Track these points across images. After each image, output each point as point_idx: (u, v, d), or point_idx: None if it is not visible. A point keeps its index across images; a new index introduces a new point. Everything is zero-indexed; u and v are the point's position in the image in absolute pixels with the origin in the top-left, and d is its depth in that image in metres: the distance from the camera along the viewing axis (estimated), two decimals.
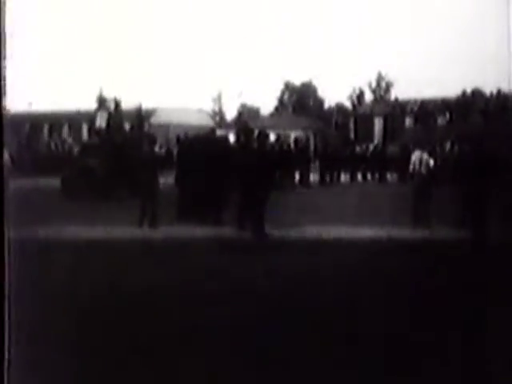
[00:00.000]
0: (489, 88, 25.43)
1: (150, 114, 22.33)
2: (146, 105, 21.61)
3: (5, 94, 5.89)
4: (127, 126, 20.93)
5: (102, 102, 20.00)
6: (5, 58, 5.57)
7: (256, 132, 15.09)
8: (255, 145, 14.37)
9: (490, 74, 22.83)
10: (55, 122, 23.01)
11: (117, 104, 20.16)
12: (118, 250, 11.35)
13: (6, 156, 5.64)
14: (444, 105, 25.99)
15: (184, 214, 14.40)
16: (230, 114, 25.92)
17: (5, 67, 5.82)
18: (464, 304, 8.01)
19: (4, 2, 5.15)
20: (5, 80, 5.64)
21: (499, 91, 25.08)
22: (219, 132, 21.47)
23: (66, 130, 23.06)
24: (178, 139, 20.91)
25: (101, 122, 19.90)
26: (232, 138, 19.18)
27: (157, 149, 16.63)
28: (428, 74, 23.18)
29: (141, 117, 21.22)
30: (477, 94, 25.58)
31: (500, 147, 15.89)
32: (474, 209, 12.31)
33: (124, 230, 13.01)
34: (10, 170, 5.78)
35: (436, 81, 23.74)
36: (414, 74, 23.55)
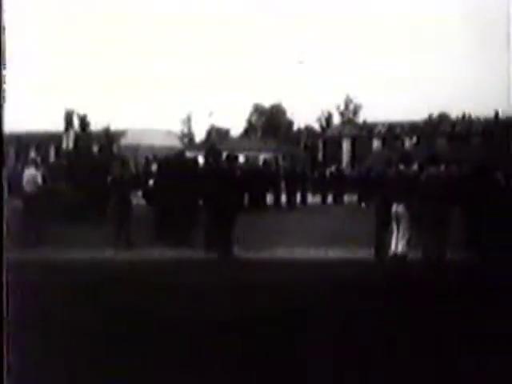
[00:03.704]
0: (455, 112, 25.97)
1: (119, 135, 22.29)
2: (116, 126, 21.60)
3: None
4: (96, 148, 20.86)
5: (69, 122, 19.91)
6: None
7: (225, 154, 15.12)
8: (224, 166, 14.39)
9: (456, 98, 23.28)
10: (22, 143, 22.84)
11: (84, 125, 20.10)
12: (88, 271, 11.27)
13: None
14: (411, 128, 26.42)
15: (154, 235, 14.36)
16: (200, 136, 26.00)
17: None
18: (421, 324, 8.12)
19: None
20: None
21: (464, 115, 25.62)
22: (188, 153, 21.51)
23: (33, 151, 22.90)
24: (148, 161, 20.91)
25: (68, 143, 19.79)
26: (201, 159, 19.23)
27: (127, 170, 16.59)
28: (396, 98, 23.53)
29: (110, 138, 21.18)
30: (443, 117, 26.08)
31: (465, 168, 16.15)
32: (436, 229, 12.46)
33: (95, 252, 12.91)
34: None
35: (403, 104, 24.13)
36: (382, 98, 23.90)
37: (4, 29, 4.59)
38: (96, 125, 20.60)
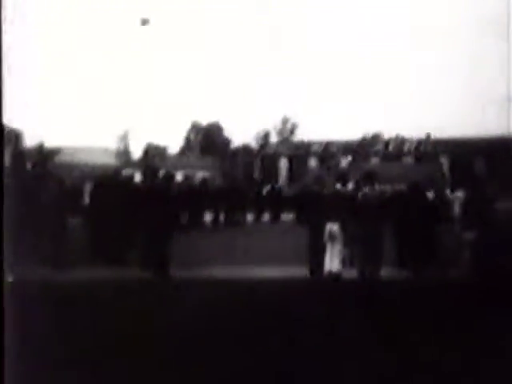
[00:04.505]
0: (388, 132, 26.57)
1: (54, 153, 21.91)
2: (50, 143, 21.21)
3: None
4: (29, 165, 20.44)
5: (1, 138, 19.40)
6: None
7: (162, 172, 15.07)
8: (161, 185, 14.33)
9: (390, 118, 23.83)
10: None
11: (17, 141, 19.68)
12: (22, 290, 11.03)
13: None
14: (347, 147, 26.87)
15: (91, 254, 14.16)
16: (137, 154, 25.79)
17: None
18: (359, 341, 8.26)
19: None
20: None
21: (397, 136, 26.23)
22: (125, 171, 21.30)
23: None
24: (83, 179, 20.54)
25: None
26: (138, 177, 19.06)
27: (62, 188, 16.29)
28: (332, 117, 23.93)
29: (43, 155, 20.79)
30: (376, 137, 26.64)
31: (398, 187, 16.53)
32: (370, 247, 12.73)
33: (30, 271, 12.64)
34: None
35: (339, 124, 24.54)
36: (318, 117, 24.27)
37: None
38: (29, 141, 20.21)
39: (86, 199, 16.85)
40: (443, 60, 21.58)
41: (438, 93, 21.43)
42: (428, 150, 25.56)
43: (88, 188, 17.84)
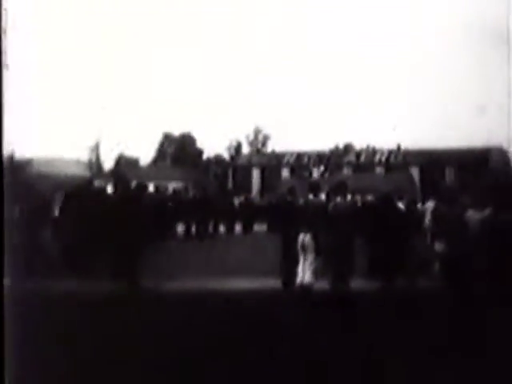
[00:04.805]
0: (359, 143, 26.80)
1: (24, 164, 21.71)
2: (21, 154, 21.01)
3: None
4: None
5: None
6: None
7: (134, 183, 15.01)
8: (133, 195, 14.28)
9: (360, 130, 24.03)
10: None
11: None
12: None
13: None
14: (319, 158, 27.02)
15: (61, 266, 14.04)
16: (108, 164, 25.64)
17: None
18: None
19: None
20: None
21: (368, 146, 26.45)
22: (97, 182, 21.17)
23: None
24: (54, 190, 20.36)
25: None
26: (110, 188, 18.94)
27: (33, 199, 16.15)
28: (304, 128, 24.06)
29: (14, 167, 20.58)
30: (348, 147, 26.84)
31: (369, 197, 16.67)
32: (342, 258, 12.79)
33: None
34: None
35: (311, 135, 24.67)
36: (290, 128, 24.37)
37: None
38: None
39: (57, 210, 16.71)
40: (416, 71, 21.83)
41: (410, 104, 21.66)
42: (399, 161, 25.82)
43: (59, 199, 17.69)
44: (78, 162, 23.63)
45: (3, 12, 10.23)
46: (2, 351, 7.83)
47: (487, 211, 13.57)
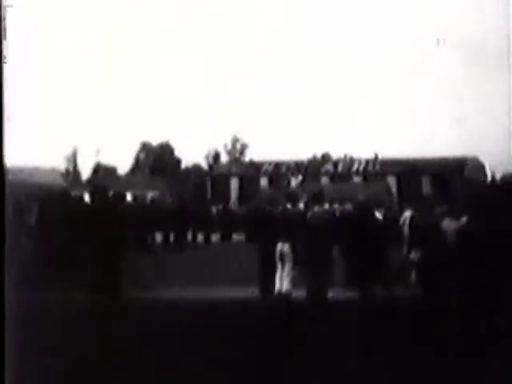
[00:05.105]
0: (337, 152, 26.94)
1: None
2: None
3: None
4: None
5: None
6: None
7: (111, 192, 14.94)
8: (110, 205, 14.21)
9: (338, 139, 24.17)
10: None
11: None
12: None
13: None
14: (297, 167, 27.10)
15: (38, 277, 13.93)
16: (85, 174, 25.48)
17: None
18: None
19: None
20: None
21: (345, 155, 26.61)
22: (74, 192, 21.02)
23: None
24: (30, 200, 20.20)
25: None
26: (87, 197, 18.83)
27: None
28: (282, 137, 24.13)
29: None
30: (326, 157, 26.98)
31: (347, 207, 16.74)
32: (320, 267, 12.84)
33: None
34: None
35: (289, 144, 24.76)
36: (268, 137, 24.44)
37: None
38: None
39: (33, 220, 16.57)
40: (393, 82, 22.03)
41: (387, 113, 21.84)
42: (376, 170, 26.00)
43: (35, 208, 17.56)
44: (54, 171, 23.46)
45: None
46: (2, 351, 7.77)
47: (463, 220, 13.68)
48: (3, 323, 8.66)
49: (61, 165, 24.49)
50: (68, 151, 24.82)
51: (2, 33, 10.16)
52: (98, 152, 24.48)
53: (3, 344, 7.06)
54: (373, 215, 14.51)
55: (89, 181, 24.78)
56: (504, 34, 13.60)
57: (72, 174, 25.02)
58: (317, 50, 21.96)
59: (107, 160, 25.97)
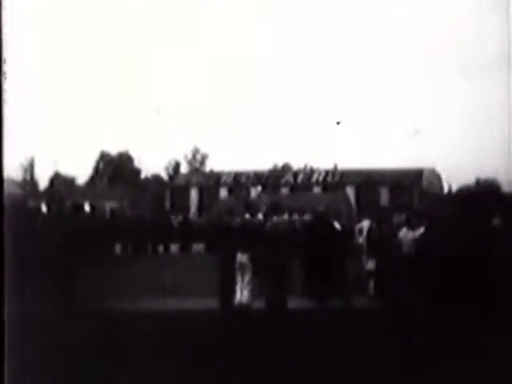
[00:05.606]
0: (297, 163, 27.14)
1: None
2: None
3: None
4: None
5: None
6: None
7: (69, 202, 14.79)
8: (68, 215, 14.06)
9: (298, 149, 24.33)
10: None
11: None
12: None
13: None
14: (257, 177, 27.20)
15: None
16: (43, 183, 25.14)
17: None
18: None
19: None
20: None
21: (305, 166, 26.84)
22: (31, 202, 20.73)
23: None
24: None
25: None
26: (44, 208, 18.58)
27: None
28: (242, 148, 24.20)
29: None
30: (286, 167, 27.16)
31: (306, 217, 16.83)
32: (279, 277, 12.87)
33: None
34: None
35: (249, 154, 24.84)
36: (228, 148, 24.48)
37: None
38: None
39: None
40: (352, 93, 22.27)
41: (347, 124, 22.06)
42: (336, 181, 26.24)
43: None
44: (11, 180, 23.10)
45: None
46: (2, 351, 7.61)
47: (420, 230, 13.88)
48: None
49: (18, 174, 24.14)
50: (25, 161, 24.47)
51: None
52: (55, 162, 24.19)
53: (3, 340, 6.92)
54: (332, 225, 14.61)
55: (46, 191, 24.46)
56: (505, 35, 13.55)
57: (29, 183, 24.67)
58: (275, 60, 22.10)
59: (66, 170, 25.67)
